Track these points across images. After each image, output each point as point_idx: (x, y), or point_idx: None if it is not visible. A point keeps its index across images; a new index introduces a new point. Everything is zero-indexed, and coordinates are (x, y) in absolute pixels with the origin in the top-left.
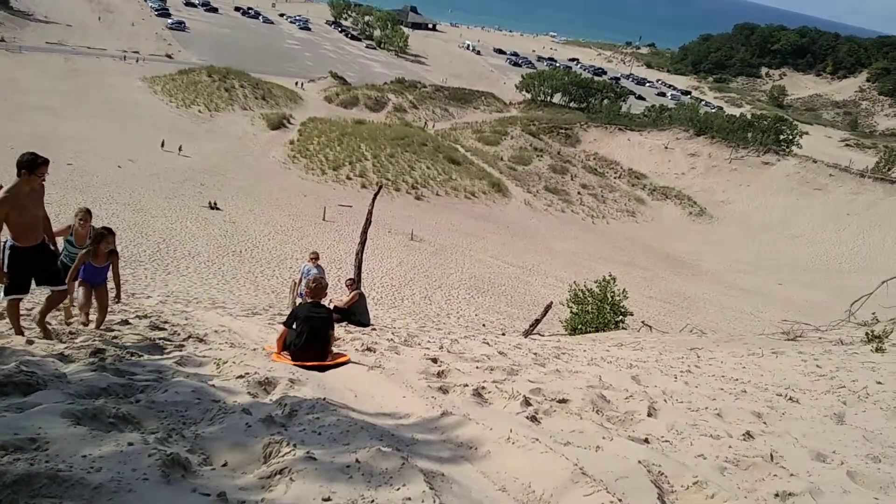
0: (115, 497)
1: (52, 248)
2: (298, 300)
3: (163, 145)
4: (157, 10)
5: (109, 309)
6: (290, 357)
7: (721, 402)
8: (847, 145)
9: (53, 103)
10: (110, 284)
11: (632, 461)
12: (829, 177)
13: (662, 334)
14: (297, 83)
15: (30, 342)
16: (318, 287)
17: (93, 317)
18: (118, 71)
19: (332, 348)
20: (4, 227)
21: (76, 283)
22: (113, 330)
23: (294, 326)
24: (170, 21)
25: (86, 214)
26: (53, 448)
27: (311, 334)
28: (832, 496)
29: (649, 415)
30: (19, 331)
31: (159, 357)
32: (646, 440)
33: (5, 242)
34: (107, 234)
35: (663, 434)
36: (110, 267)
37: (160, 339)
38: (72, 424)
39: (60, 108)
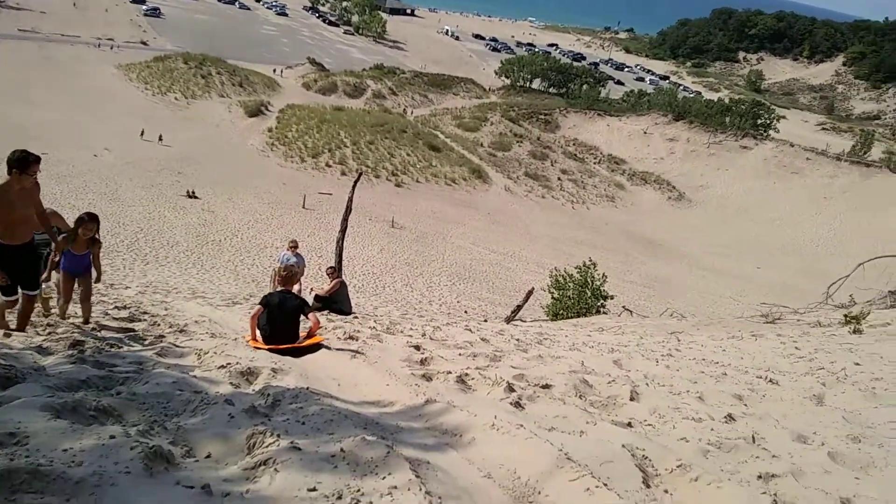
0: (98, 491)
1: (54, 239)
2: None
3: (142, 134)
4: None
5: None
6: (264, 343)
7: (702, 385)
8: (823, 129)
9: (27, 92)
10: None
11: (615, 445)
12: (806, 161)
13: (643, 318)
14: (274, 70)
15: (7, 335)
16: (289, 275)
17: (75, 309)
18: (93, 58)
19: (315, 333)
20: None
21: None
22: (90, 322)
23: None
24: (144, 7)
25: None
26: (33, 442)
27: (281, 321)
28: (814, 476)
29: (632, 399)
30: (2, 325)
31: (139, 348)
32: (629, 424)
33: None
34: (87, 219)
35: (646, 418)
36: (90, 255)
37: (140, 329)
38: (52, 418)
39: (34, 97)
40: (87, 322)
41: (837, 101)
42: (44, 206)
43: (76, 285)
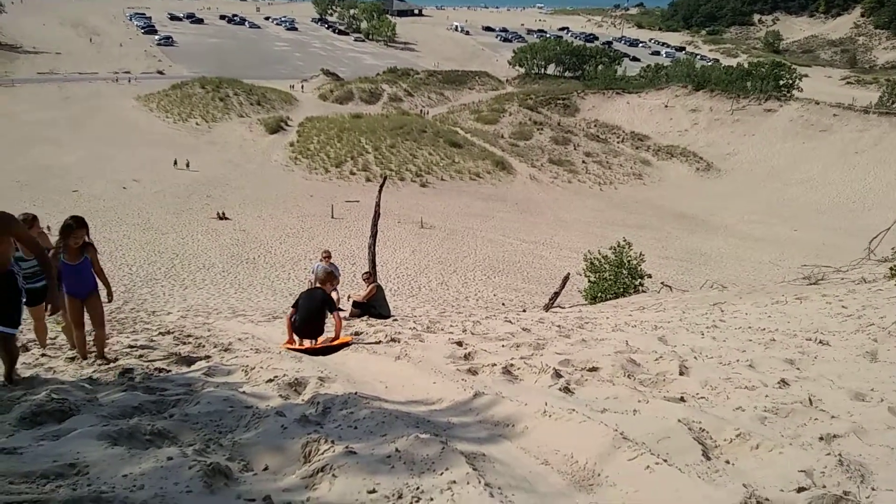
0: None
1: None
2: None
3: (176, 163)
4: (143, 27)
5: (110, 328)
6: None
7: (751, 353)
8: (848, 83)
9: (52, 133)
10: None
11: (671, 421)
12: (834, 117)
13: (683, 293)
14: (291, 86)
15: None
16: (326, 276)
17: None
18: (112, 93)
19: (344, 334)
20: None
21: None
22: (136, 348)
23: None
24: (157, 37)
25: (32, 220)
26: (94, 471)
27: (306, 314)
28: (877, 433)
29: (681, 373)
30: None
31: (187, 370)
32: (681, 399)
33: None
34: (74, 225)
35: (698, 391)
36: (91, 266)
37: (186, 352)
38: (109, 446)
39: (60, 137)
40: (102, 357)
41: (859, 53)
42: (29, 233)
43: (85, 311)
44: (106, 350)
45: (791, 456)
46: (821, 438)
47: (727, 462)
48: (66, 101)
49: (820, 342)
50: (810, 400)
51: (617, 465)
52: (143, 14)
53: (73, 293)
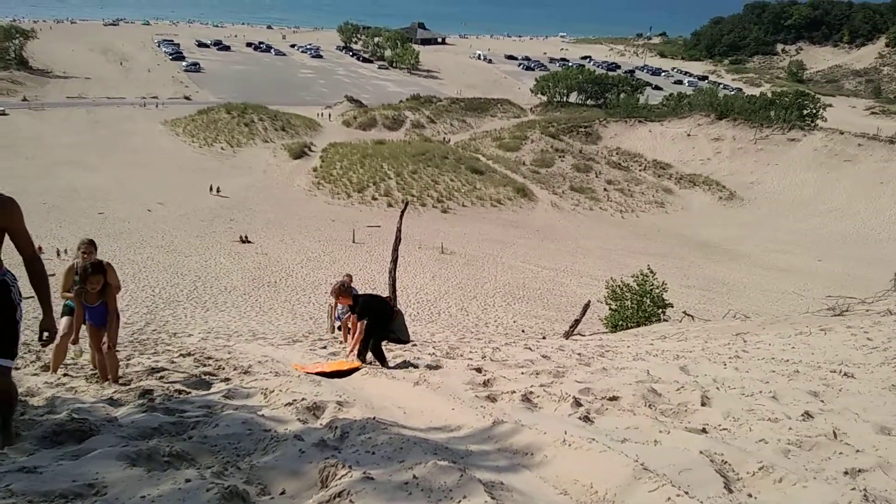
0: None
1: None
2: (337, 322)
3: (211, 189)
4: (171, 54)
5: (132, 349)
6: None
7: (775, 384)
8: (873, 113)
9: (80, 156)
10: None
11: (693, 452)
12: (858, 147)
13: (705, 322)
14: (318, 114)
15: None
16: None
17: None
18: (139, 117)
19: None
20: None
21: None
22: (157, 370)
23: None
24: (185, 63)
25: (88, 246)
26: (112, 492)
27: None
28: None
29: (703, 404)
30: None
31: (207, 392)
32: (703, 430)
33: None
34: (90, 270)
35: (720, 422)
36: (107, 307)
37: (206, 374)
38: (128, 466)
39: (87, 160)
40: (115, 380)
41: (884, 83)
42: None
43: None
44: (120, 374)
45: (815, 490)
46: (845, 473)
47: (749, 496)
48: (95, 125)
49: (844, 374)
50: (835, 433)
51: (637, 497)
52: (172, 41)
53: (93, 322)
